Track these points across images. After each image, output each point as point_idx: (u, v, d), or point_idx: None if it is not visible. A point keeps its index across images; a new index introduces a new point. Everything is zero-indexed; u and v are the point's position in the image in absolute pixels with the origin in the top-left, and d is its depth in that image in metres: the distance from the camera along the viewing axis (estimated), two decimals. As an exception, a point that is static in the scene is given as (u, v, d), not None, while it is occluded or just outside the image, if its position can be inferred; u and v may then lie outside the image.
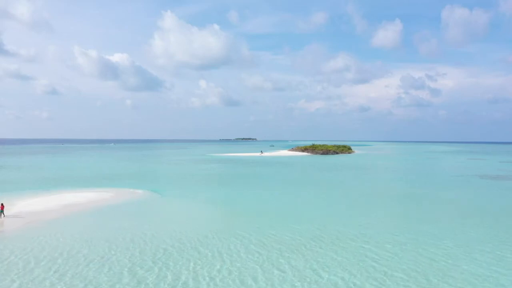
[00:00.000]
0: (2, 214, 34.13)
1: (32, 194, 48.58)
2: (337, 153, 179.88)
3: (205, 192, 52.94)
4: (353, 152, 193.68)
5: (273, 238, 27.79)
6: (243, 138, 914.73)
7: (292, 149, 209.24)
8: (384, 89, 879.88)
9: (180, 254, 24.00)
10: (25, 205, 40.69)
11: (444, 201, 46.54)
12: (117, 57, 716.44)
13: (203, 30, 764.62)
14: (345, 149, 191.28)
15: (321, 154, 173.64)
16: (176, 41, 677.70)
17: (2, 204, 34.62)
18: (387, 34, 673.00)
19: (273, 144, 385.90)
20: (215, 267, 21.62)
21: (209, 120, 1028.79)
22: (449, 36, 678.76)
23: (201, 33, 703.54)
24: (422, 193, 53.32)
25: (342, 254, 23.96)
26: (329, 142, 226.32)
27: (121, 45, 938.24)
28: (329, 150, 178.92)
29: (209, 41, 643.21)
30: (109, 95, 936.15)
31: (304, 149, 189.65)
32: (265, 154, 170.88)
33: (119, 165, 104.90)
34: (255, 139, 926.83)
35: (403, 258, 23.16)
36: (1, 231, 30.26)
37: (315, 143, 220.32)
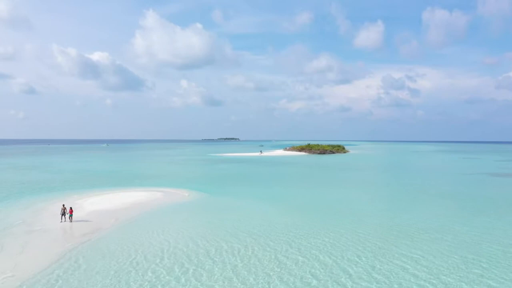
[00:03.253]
0: (70, 218, 33.20)
1: (83, 194, 49.17)
2: (333, 152, 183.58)
3: (248, 190, 54.42)
4: (348, 151, 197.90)
5: (355, 232, 29.86)
6: (226, 138, 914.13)
7: (287, 149, 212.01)
8: (365, 90, 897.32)
9: (285, 244, 25.77)
10: (89, 205, 41.52)
11: (478, 197, 49.59)
12: (97, 56, 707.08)
13: (186, 30, 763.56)
14: (340, 149, 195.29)
15: (319, 153, 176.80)
16: (158, 40, 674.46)
17: (71, 208, 33.87)
18: (369, 35, 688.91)
19: (262, 144, 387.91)
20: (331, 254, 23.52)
21: (190, 120, 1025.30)
22: (429, 37, 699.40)
23: (183, 32, 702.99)
24: (453, 190, 56.52)
25: (433, 244, 26.24)
26: (311, 142, 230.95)
27: (101, 44, 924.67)
28: (326, 150, 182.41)
29: (192, 40, 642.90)
30: (89, 95, 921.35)
31: (301, 149, 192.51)
32: (265, 154, 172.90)
33: (134, 165, 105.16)
34: (238, 139, 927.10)
35: (480, 243, 25.62)
36: (97, 230, 31.18)
37: (298, 143, 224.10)
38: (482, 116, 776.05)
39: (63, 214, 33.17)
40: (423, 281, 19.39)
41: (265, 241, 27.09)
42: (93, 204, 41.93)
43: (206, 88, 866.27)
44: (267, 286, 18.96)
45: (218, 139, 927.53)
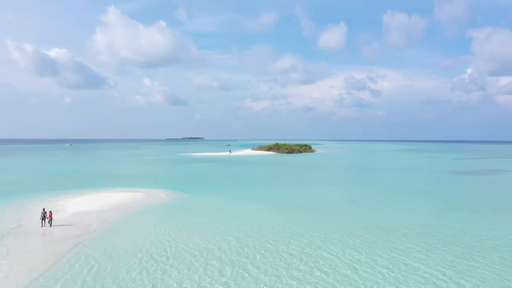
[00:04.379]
0: (50, 223, 31.63)
1: (61, 196, 47.84)
2: (301, 152, 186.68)
3: (227, 190, 54.93)
4: (315, 151, 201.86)
5: (340, 228, 31.25)
6: (190, 138, 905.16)
7: (255, 149, 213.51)
8: (328, 90, 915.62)
9: (267, 240, 26.69)
10: (72, 206, 40.60)
11: (449, 194, 52.63)
12: (55, 52, 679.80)
13: (149, 27, 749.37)
14: (308, 148, 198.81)
15: (287, 153, 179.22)
16: (120, 37, 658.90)
17: (50, 212, 32.33)
18: (332, 36, 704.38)
19: (229, 143, 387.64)
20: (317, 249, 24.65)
21: (154, 119, 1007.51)
22: (389, 40, 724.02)
23: (147, 30, 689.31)
24: (425, 187, 59.60)
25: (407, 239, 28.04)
26: (276, 141, 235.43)
27: (59, 40, 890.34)
28: (294, 149, 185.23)
29: (155, 38, 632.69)
30: (47, 92, 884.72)
31: (269, 148, 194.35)
32: (234, 153, 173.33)
33: (106, 166, 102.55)
34: (203, 138, 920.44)
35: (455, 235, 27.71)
36: (87, 232, 30.74)
37: (264, 142, 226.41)
38: (439, 117, 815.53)
39: (43, 218, 31.69)
40: (410, 273, 20.81)
41: (262, 238, 27.80)
42: (76, 205, 41.04)
43: (170, 87, 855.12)
44: (278, 281, 19.71)
45: (183, 138, 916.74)
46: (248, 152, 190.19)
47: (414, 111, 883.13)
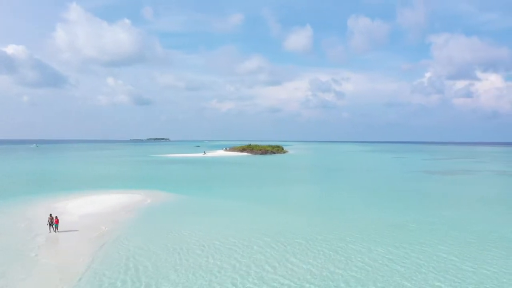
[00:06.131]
0: (56, 229, 30.70)
1: (53, 198, 47.25)
2: (274, 153, 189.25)
3: (223, 191, 55.99)
4: (287, 151, 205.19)
5: (335, 228, 33.38)
6: (156, 138, 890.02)
7: (227, 150, 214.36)
8: (294, 91, 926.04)
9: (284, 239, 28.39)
10: (74, 208, 40.42)
11: (428, 193, 56.13)
12: (12, 49, 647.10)
13: (113, 25, 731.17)
14: (280, 149, 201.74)
15: (261, 154, 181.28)
16: (82, 35, 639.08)
17: (56, 218, 31.02)
18: (299, 39, 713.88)
19: (198, 144, 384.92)
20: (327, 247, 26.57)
21: (118, 120, 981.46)
22: (354, 43, 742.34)
23: (110, 27, 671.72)
24: (404, 187, 63.17)
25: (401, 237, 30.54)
26: (243, 142, 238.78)
27: (17, 36, 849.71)
28: (267, 150, 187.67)
29: (120, 36, 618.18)
30: (3, 91, 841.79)
31: (242, 149, 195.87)
32: (208, 154, 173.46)
33: (85, 167, 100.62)
34: (168, 139, 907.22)
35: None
36: (103, 235, 31.10)
37: (231, 143, 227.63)
38: (399, 118, 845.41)
39: (51, 224, 30.81)
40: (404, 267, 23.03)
41: (287, 238, 29.32)
42: (78, 207, 40.77)
43: (135, 86, 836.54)
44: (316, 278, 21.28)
45: (148, 139, 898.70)
46: (222, 153, 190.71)
47: (377, 113, 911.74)
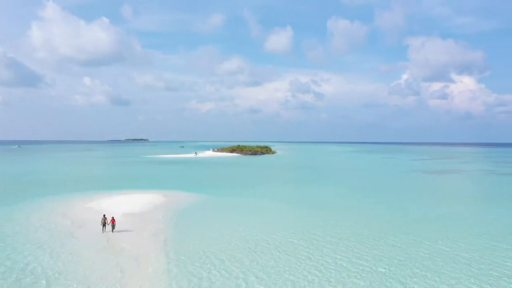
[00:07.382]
0: (112, 229, 31.65)
1: (83, 197, 47.97)
2: (263, 153, 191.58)
3: (241, 191, 57.74)
4: (276, 152, 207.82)
5: (355, 227, 35.84)
6: (134, 139, 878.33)
7: (216, 150, 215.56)
8: (273, 92, 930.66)
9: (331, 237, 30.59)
10: (111, 207, 41.36)
11: (430, 192, 59.43)
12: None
13: (91, 24, 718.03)
14: (269, 150, 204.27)
15: (251, 154, 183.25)
16: (58, 34, 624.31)
17: (113, 218, 32.34)
18: (279, 40, 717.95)
19: (183, 145, 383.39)
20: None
21: (95, 120, 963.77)
22: (333, 45, 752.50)
23: (88, 26, 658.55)
24: (404, 186, 66.32)
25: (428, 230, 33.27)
26: (223, 142, 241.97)
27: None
28: (257, 151, 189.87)
29: (98, 35, 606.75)
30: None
31: (232, 150, 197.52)
32: (200, 155, 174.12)
33: (87, 168, 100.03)
34: (147, 139, 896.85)
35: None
36: (159, 232, 32.41)
37: (211, 143, 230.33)
38: (377, 119, 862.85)
39: (104, 224, 31.87)
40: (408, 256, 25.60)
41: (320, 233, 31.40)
42: (116, 206, 41.61)
43: (113, 86, 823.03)
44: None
45: (126, 140, 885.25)
46: (211, 154, 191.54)
47: (355, 114, 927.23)
